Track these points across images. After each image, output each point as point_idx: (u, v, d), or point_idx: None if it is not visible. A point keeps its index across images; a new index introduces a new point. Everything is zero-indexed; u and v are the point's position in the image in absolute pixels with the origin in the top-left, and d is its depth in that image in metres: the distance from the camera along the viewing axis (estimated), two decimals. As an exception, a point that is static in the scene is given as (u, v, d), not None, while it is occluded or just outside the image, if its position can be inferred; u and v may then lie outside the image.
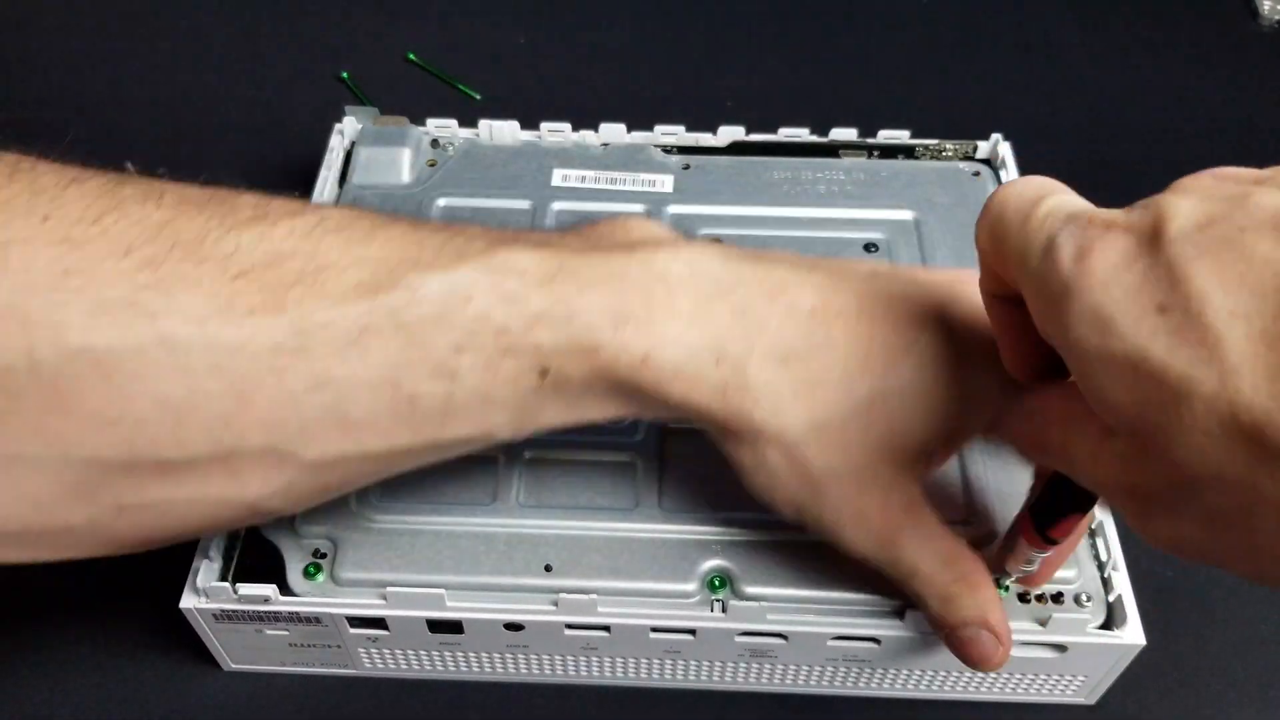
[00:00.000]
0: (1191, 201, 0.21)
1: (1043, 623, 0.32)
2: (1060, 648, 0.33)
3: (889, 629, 0.32)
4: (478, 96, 0.58)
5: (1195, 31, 0.62)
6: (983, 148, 0.46)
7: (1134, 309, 0.21)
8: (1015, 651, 0.33)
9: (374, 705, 0.36)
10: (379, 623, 0.33)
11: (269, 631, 0.34)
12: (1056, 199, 0.24)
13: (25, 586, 0.38)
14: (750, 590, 0.33)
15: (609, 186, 0.45)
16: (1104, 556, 0.34)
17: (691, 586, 0.33)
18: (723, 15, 0.63)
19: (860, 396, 0.28)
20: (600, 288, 0.28)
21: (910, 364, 0.29)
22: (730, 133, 0.46)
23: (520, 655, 0.35)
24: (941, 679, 0.35)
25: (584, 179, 0.45)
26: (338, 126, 0.46)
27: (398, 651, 0.35)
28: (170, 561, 0.34)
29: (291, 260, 0.25)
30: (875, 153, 0.46)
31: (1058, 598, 0.33)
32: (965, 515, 0.34)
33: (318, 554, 0.34)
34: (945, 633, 0.30)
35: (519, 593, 0.33)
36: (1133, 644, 0.32)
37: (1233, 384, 0.19)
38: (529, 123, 0.46)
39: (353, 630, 0.34)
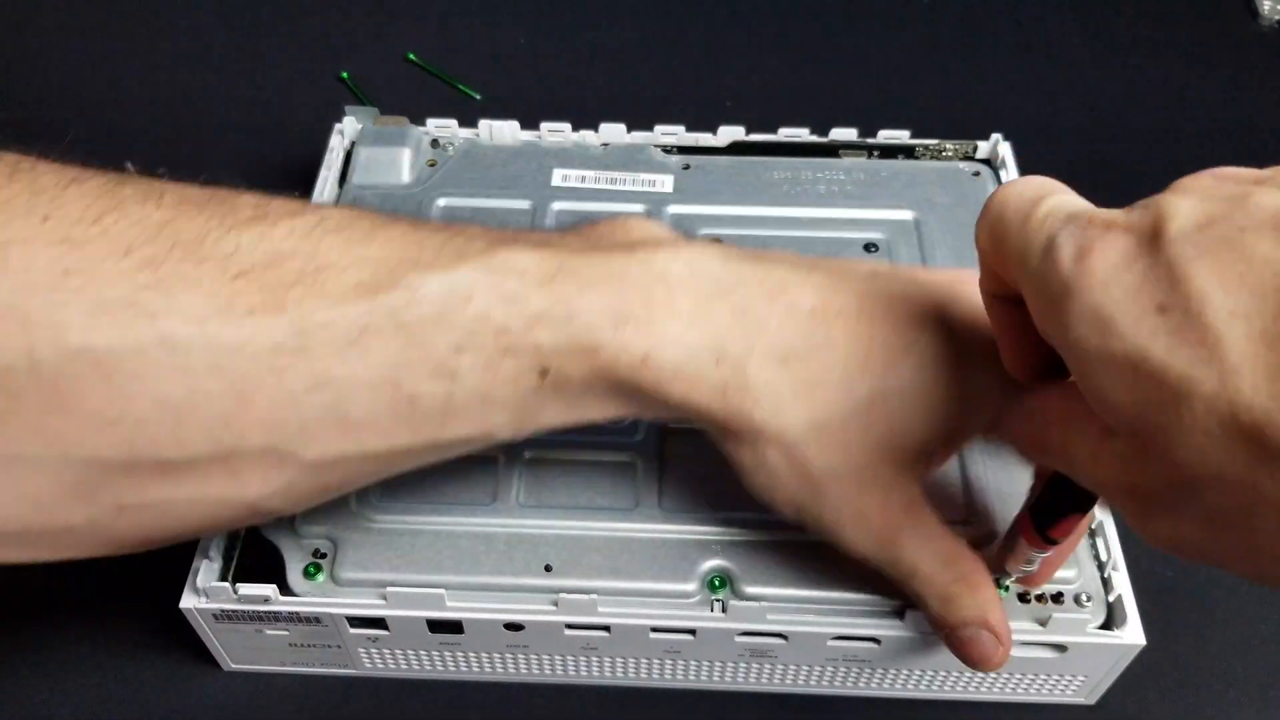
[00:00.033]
0: (1191, 201, 0.21)
1: (1043, 623, 0.32)
2: (1060, 648, 0.33)
3: (889, 629, 0.32)
4: (478, 96, 0.58)
5: (1195, 31, 0.62)
6: (983, 148, 0.46)
7: (1134, 309, 0.21)
8: (1015, 651, 0.33)
9: (374, 705, 0.36)
10: (379, 623, 0.33)
11: (269, 631, 0.34)
12: (1056, 199, 0.24)
13: (25, 586, 0.38)
14: (750, 590, 0.33)
15: (609, 186, 0.45)
16: (1104, 556, 0.34)
17: (691, 586, 0.33)
18: (723, 15, 0.63)
19: (860, 396, 0.28)
20: (600, 287, 0.28)
21: (910, 364, 0.28)
22: (730, 133, 0.46)
23: (520, 655, 0.35)
24: (941, 679, 0.35)
25: (584, 179, 0.45)
26: (338, 126, 0.46)
27: (398, 651, 0.35)
28: (170, 561, 0.34)
29: (291, 260, 0.26)
30: (875, 153, 0.46)
31: (1058, 598, 0.33)
32: (965, 515, 0.34)
33: (318, 554, 0.34)
34: (945, 633, 0.30)
35: (519, 593, 0.33)
36: (1133, 644, 0.32)
37: (1233, 384, 0.19)
38: (529, 123, 0.47)
39: (353, 630, 0.34)
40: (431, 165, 0.45)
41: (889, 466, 0.29)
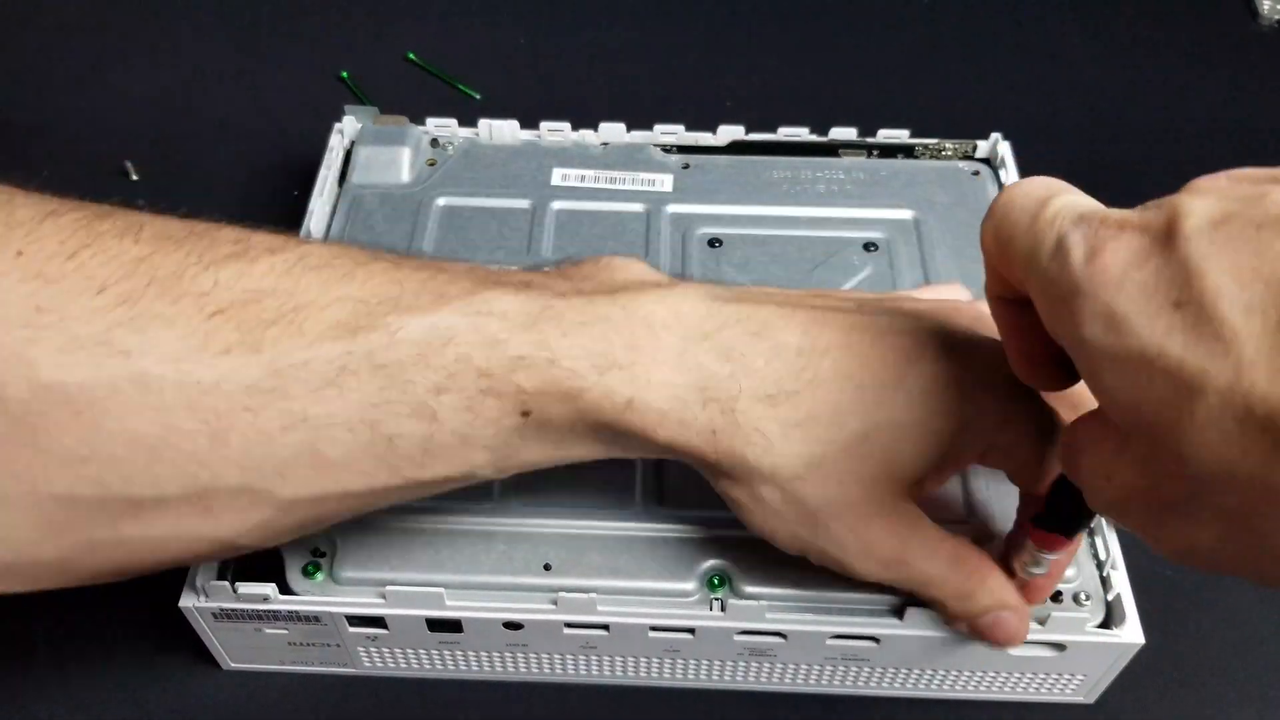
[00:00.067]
0: (1207, 201, 0.21)
1: (1042, 621, 0.32)
2: (1059, 646, 0.33)
3: (888, 628, 0.32)
4: (477, 96, 0.58)
5: (1195, 31, 0.62)
6: (982, 147, 0.46)
7: (1147, 307, 0.20)
8: (1014, 650, 0.33)
9: (373, 704, 0.36)
10: (378, 621, 0.33)
11: (268, 630, 0.34)
12: (1064, 199, 0.24)
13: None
14: (749, 589, 0.33)
15: (608, 186, 0.45)
16: (1103, 555, 0.34)
17: (691, 585, 0.33)
18: (723, 15, 0.63)
19: (853, 432, 0.28)
20: (584, 331, 0.27)
21: (902, 399, 0.28)
22: (730, 132, 0.46)
23: (519, 654, 0.35)
24: (941, 678, 0.35)
25: (584, 178, 0.45)
26: (337, 126, 0.46)
27: (397, 650, 0.35)
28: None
29: (270, 298, 0.25)
30: (875, 152, 0.46)
31: (1056, 596, 0.33)
32: (965, 515, 0.34)
33: (317, 553, 0.34)
34: (967, 625, 0.31)
35: (518, 592, 0.33)
36: (1131, 643, 0.32)
37: (1248, 377, 0.19)
38: (529, 122, 0.47)
39: (352, 629, 0.34)
40: (431, 165, 0.45)
41: (888, 495, 0.29)
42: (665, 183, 0.45)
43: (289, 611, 0.33)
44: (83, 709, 0.36)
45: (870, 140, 0.46)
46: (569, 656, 0.35)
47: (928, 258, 0.42)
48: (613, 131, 0.46)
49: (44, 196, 0.25)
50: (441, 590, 0.32)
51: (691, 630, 0.33)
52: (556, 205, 0.44)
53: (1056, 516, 0.28)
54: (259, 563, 0.33)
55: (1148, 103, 0.58)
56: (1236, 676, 0.37)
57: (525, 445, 0.28)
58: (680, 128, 0.46)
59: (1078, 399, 0.27)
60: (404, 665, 0.36)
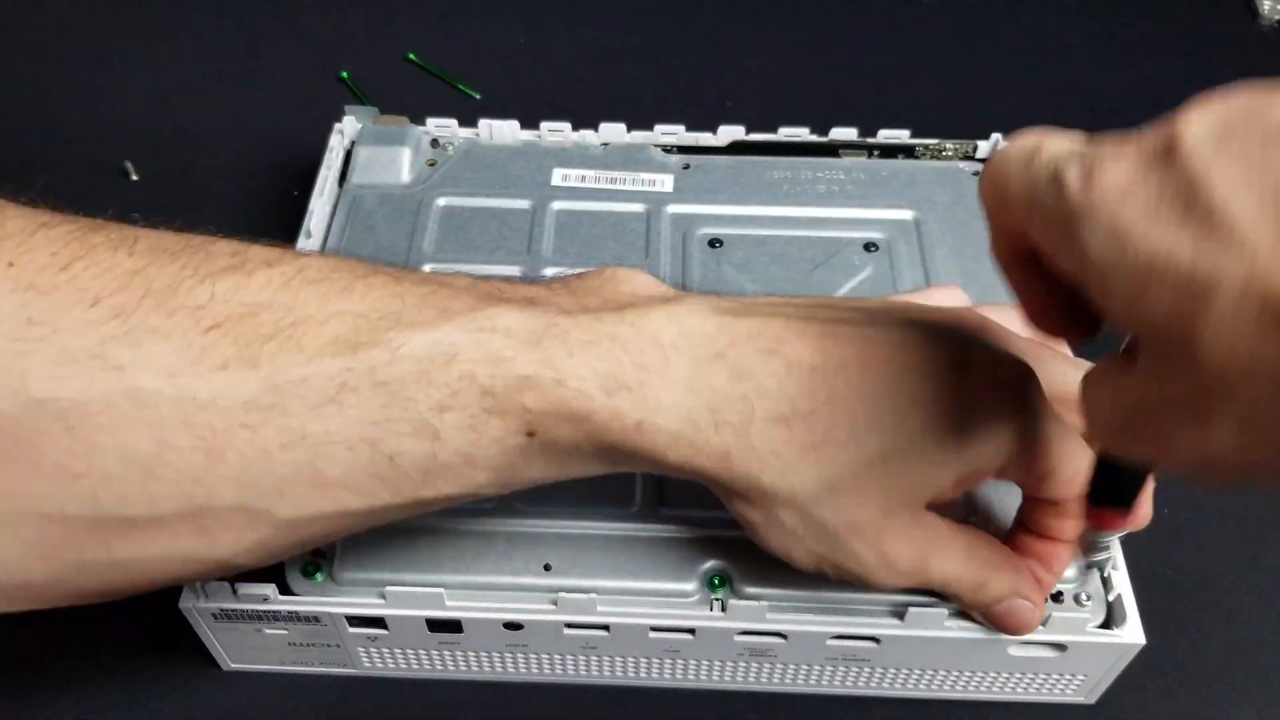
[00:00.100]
0: (1206, 116, 0.21)
1: (1043, 622, 0.32)
2: (1060, 647, 0.33)
3: (888, 628, 0.32)
4: (477, 96, 0.58)
5: (1195, 31, 0.62)
6: (983, 147, 0.46)
7: (1152, 216, 0.20)
8: (1015, 651, 0.33)
9: (374, 705, 0.36)
10: (378, 622, 0.33)
11: (268, 631, 0.34)
12: (1057, 140, 0.24)
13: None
14: (749, 589, 0.33)
15: (609, 186, 0.45)
16: (1104, 555, 0.34)
17: (691, 586, 0.33)
18: (723, 15, 0.63)
19: (871, 453, 0.28)
20: (591, 351, 0.27)
21: (919, 418, 0.28)
22: (730, 132, 0.46)
23: (520, 654, 0.35)
24: (942, 679, 0.35)
25: (584, 178, 0.45)
26: (337, 126, 0.46)
27: (397, 651, 0.35)
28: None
29: (267, 312, 0.25)
30: (875, 152, 0.46)
31: (1057, 597, 0.33)
32: (965, 514, 0.34)
33: (317, 553, 0.34)
34: (982, 613, 0.31)
35: (518, 592, 0.33)
36: (1132, 643, 0.32)
37: (1263, 269, 0.18)
38: (529, 122, 0.47)
39: (352, 629, 0.34)
40: (431, 165, 0.45)
41: (906, 511, 0.29)
42: (665, 183, 0.45)
43: (289, 612, 0.33)
44: (82, 709, 0.36)
45: (870, 140, 0.46)
46: (569, 657, 0.35)
47: (928, 258, 0.42)
48: (613, 131, 0.46)
49: (35, 209, 0.25)
50: (441, 590, 0.32)
51: (692, 630, 0.33)
52: (557, 205, 0.44)
53: (1109, 489, 0.27)
54: (259, 563, 0.33)
55: (1148, 103, 0.58)
56: (1237, 676, 0.37)
57: (529, 464, 0.28)
58: (680, 128, 0.46)
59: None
60: (404, 665, 0.36)
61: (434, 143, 0.46)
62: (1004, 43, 0.62)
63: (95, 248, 0.24)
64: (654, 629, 0.33)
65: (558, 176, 0.45)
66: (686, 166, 0.45)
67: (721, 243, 0.43)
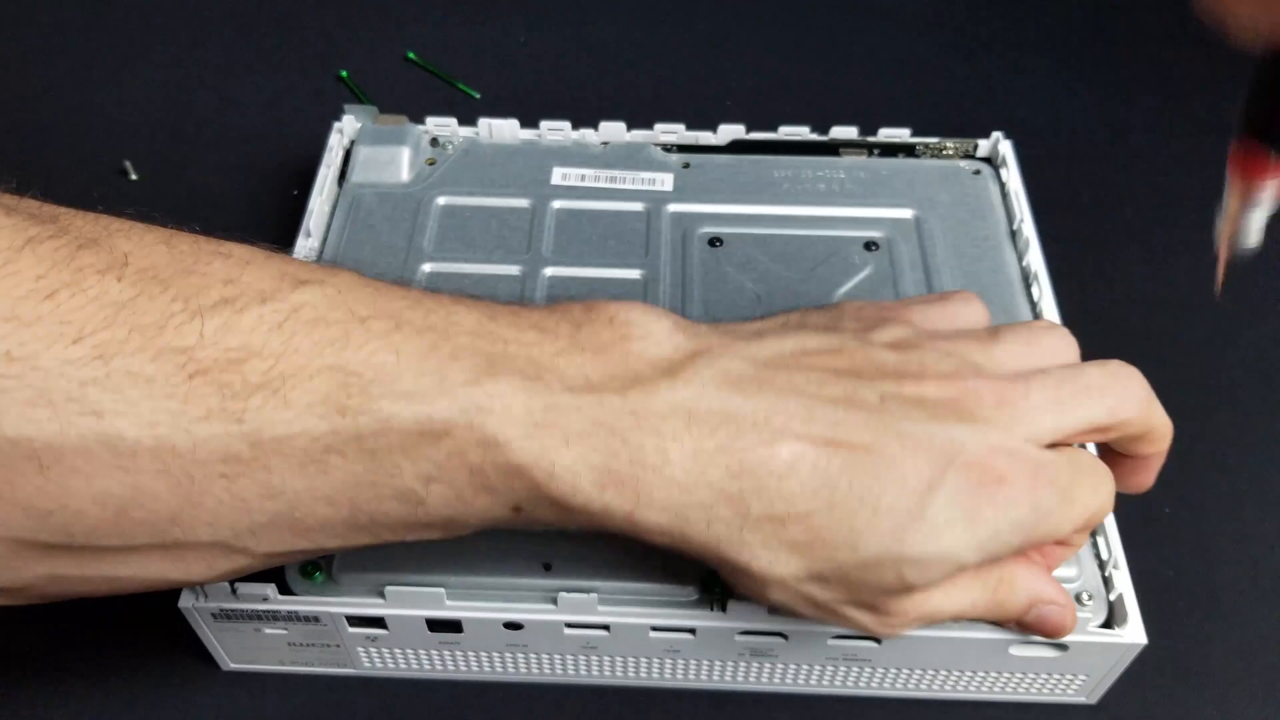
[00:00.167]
0: None
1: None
2: (1061, 646, 0.33)
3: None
4: (477, 95, 0.58)
5: (1195, 31, 0.62)
6: (983, 146, 0.46)
7: None
8: (1016, 651, 0.33)
9: (373, 705, 0.36)
10: (378, 622, 0.33)
11: (268, 630, 0.34)
12: None
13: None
14: (750, 589, 0.33)
15: (609, 185, 0.45)
16: (1105, 555, 0.34)
17: (691, 585, 0.33)
18: (723, 14, 0.63)
19: (866, 558, 0.27)
20: (586, 442, 0.26)
21: (923, 532, 0.26)
22: (730, 131, 0.46)
23: (520, 654, 0.35)
24: (943, 679, 0.35)
25: (583, 177, 0.45)
26: (337, 125, 0.46)
27: (397, 651, 0.35)
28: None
29: (257, 359, 0.24)
30: (876, 151, 0.46)
31: (1058, 597, 0.33)
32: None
33: (317, 553, 0.34)
34: (1011, 626, 0.30)
35: (518, 592, 0.33)
36: (1133, 643, 0.32)
37: None
38: (528, 121, 0.46)
39: (351, 629, 0.34)
40: (431, 164, 0.45)
41: (902, 594, 0.28)
42: (665, 182, 0.45)
43: (288, 612, 0.33)
44: (81, 709, 0.36)
45: (871, 139, 0.46)
46: (569, 657, 0.35)
47: (928, 257, 0.42)
48: (613, 130, 0.46)
49: (22, 219, 0.23)
50: (441, 590, 0.32)
51: (692, 630, 0.33)
52: (556, 204, 0.44)
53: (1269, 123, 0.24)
54: (258, 563, 0.33)
55: (1148, 102, 0.58)
56: (1237, 677, 0.37)
57: (515, 525, 0.27)
58: (680, 127, 0.46)
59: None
60: (404, 666, 0.36)
61: (433, 142, 0.46)
62: (1004, 42, 0.62)
63: (83, 271, 0.23)
64: (654, 629, 0.33)
65: (557, 175, 0.45)
66: (686, 165, 0.45)
67: (721, 242, 0.43)
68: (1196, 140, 0.55)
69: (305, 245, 0.41)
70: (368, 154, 0.45)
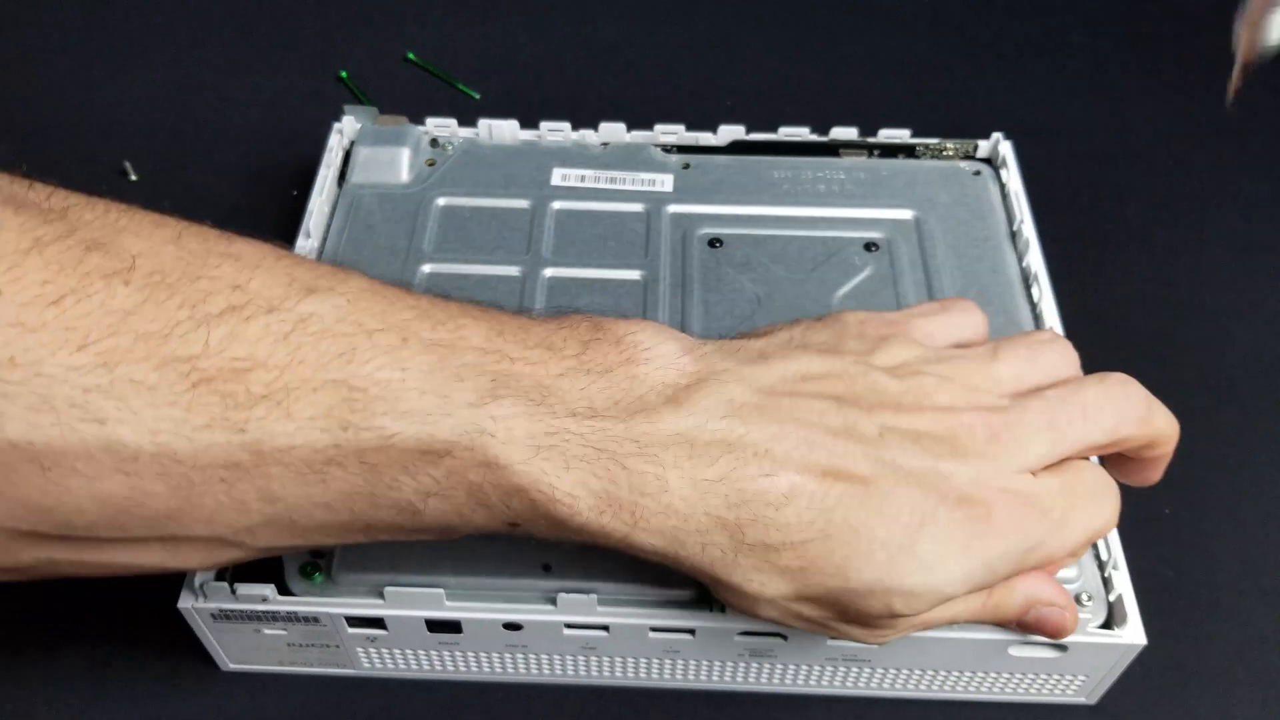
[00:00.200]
0: None
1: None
2: (1061, 647, 0.33)
3: (889, 629, 0.32)
4: (477, 96, 0.58)
5: (1195, 31, 0.62)
6: (983, 147, 0.46)
7: None
8: (1015, 651, 0.33)
9: (373, 705, 0.36)
10: (377, 622, 0.33)
11: (267, 631, 0.34)
12: None
13: (23, 585, 0.38)
14: (750, 590, 0.33)
15: (609, 186, 0.45)
16: (1104, 556, 0.34)
17: (690, 586, 0.33)
18: (723, 14, 0.63)
19: (858, 586, 0.27)
20: (586, 467, 0.26)
21: (913, 565, 0.27)
22: (730, 132, 0.46)
23: (519, 655, 0.35)
24: (941, 679, 0.35)
25: (583, 178, 0.45)
26: (337, 126, 0.46)
27: (396, 651, 0.35)
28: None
29: (261, 370, 0.24)
30: (876, 152, 0.46)
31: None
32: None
33: (316, 553, 0.34)
34: (1012, 627, 0.31)
35: (518, 592, 0.33)
36: (1133, 644, 0.32)
37: None
38: (528, 122, 0.46)
39: (351, 630, 0.34)
40: (431, 165, 0.45)
41: (889, 619, 0.28)
42: (665, 183, 0.45)
43: (288, 612, 0.33)
44: (81, 709, 0.36)
45: (871, 140, 0.46)
46: (569, 657, 0.35)
47: (928, 257, 0.42)
48: (613, 131, 0.46)
49: (30, 218, 0.23)
50: (441, 591, 0.32)
51: (692, 631, 0.33)
52: (556, 205, 0.44)
53: None
54: (258, 563, 0.33)
55: (1148, 102, 0.58)
56: (1237, 677, 0.37)
57: (510, 535, 0.28)
58: (680, 128, 0.46)
59: None
60: (403, 666, 0.36)
61: (433, 142, 0.46)
62: (1004, 42, 0.62)
63: (89, 276, 0.23)
64: (654, 629, 0.33)
65: (557, 176, 0.45)
66: (686, 166, 0.45)
67: (721, 242, 0.43)
68: (1196, 140, 0.55)
69: (305, 245, 0.41)
70: (368, 154, 0.45)
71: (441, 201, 0.44)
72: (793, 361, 0.29)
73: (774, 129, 0.46)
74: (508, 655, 0.35)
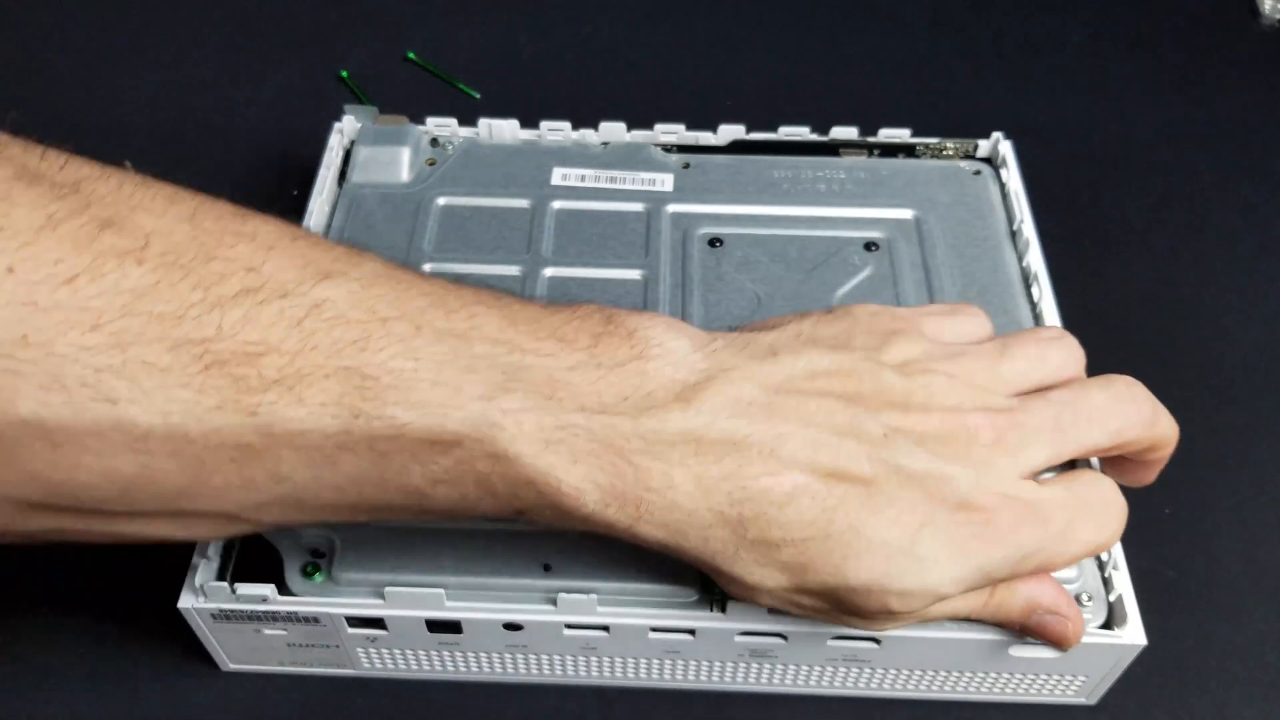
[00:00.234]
0: None
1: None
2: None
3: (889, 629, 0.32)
4: (477, 95, 0.58)
5: (1195, 31, 0.62)
6: (984, 146, 0.46)
7: None
8: (1015, 652, 0.33)
9: (373, 705, 0.36)
10: (377, 623, 0.33)
11: (267, 631, 0.34)
12: None
13: (22, 586, 0.38)
14: (750, 590, 0.33)
15: (609, 185, 0.45)
16: (1104, 556, 0.34)
17: (691, 586, 0.33)
18: (723, 13, 0.63)
19: (855, 584, 0.27)
20: (594, 461, 0.26)
21: (910, 566, 0.27)
22: (730, 131, 0.46)
23: (519, 655, 0.35)
24: (942, 680, 0.35)
25: (583, 178, 0.45)
26: (337, 125, 0.46)
27: (396, 651, 0.35)
28: (168, 560, 0.34)
29: (274, 354, 0.24)
30: (876, 151, 0.46)
31: (1058, 597, 0.33)
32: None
33: (316, 553, 0.34)
34: (1015, 631, 0.31)
35: (518, 592, 0.33)
36: (1133, 644, 0.32)
37: None
38: (528, 121, 0.46)
39: (351, 630, 0.34)
40: (431, 164, 0.45)
41: (886, 616, 0.29)
42: (665, 182, 0.45)
43: (288, 612, 0.33)
44: (80, 709, 0.36)
45: (871, 139, 0.46)
46: (569, 657, 0.35)
47: (928, 257, 0.42)
48: (613, 131, 0.46)
49: (43, 193, 0.23)
50: (441, 591, 0.32)
51: (692, 631, 0.33)
52: (556, 205, 0.44)
53: None
54: (258, 563, 0.33)
55: (1148, 102, 0.58)
56: (1237, 677, 0.37)
57: (515, 520, 0.28)
58: (680, 127, 0.46)
59: None
60: (404, 666, 0.36)
61: (434, 142, 0.46)
62: (1004, 42, 0.62)
63: (103, 255, 0.23)
64: (654, 629, 0.33)
65: (557, 176, 0.45)
66: (686, 166, 0.45)
67: (721, 242, 0.43)
68: (1196, 140, 0.55)
69: (305, 245, 0.41)
70: (368, 154, 0.45)
71: (442, 201, 0.44)
72: (801, 358, 0.29)
73: (774, 129, 0.46)
74: (508, 655, 0.35)
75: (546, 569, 0.33)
